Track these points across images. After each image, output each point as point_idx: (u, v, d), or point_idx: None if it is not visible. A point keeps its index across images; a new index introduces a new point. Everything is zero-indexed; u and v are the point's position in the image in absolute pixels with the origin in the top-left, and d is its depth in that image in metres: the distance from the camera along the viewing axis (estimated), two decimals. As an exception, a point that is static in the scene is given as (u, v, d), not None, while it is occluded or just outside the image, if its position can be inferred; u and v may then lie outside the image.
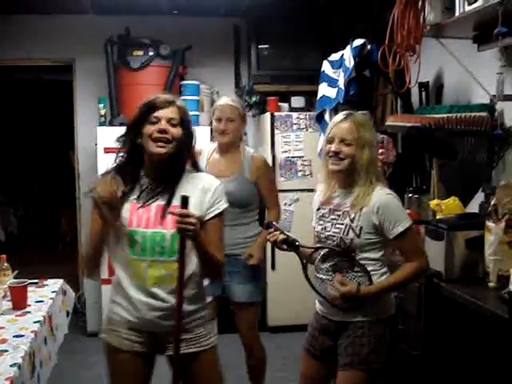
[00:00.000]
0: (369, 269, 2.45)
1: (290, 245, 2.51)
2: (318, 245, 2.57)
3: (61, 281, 3.44)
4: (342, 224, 2.48)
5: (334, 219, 2.53)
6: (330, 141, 2.50)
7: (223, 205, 2.35)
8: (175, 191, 2.24)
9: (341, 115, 2.57)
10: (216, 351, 2.45)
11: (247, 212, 3.42)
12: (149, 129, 2.19)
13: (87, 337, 5.13)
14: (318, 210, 2.63)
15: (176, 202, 2.17)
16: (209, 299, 2.53)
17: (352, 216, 2.46)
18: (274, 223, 2.56)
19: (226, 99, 3.45)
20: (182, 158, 2.29)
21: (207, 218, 2.28)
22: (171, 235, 2.20)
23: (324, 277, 2.52)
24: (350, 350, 2.47)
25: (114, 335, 2.34)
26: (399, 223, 2.40)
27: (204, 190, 2.30)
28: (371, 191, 2.45)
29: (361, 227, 2.44)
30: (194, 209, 2.15)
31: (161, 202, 2.24)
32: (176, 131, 2.21)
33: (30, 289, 3.03)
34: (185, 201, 2.07)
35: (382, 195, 2.46)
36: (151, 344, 2.34)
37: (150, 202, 2.26)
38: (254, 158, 3.44)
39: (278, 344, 4.82)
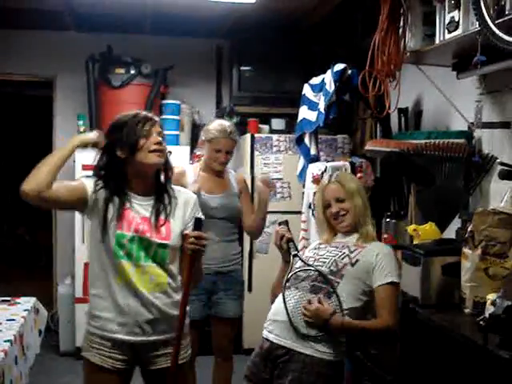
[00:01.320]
0: (343, 307, 2.45)
1: (290, 249, 2.58)
2: (309, 263, 2.57)
3: (33, 299, 3.38)
4: (340, 251, 2.58)
5: (330, 249, 2.62)
6: (327, 206, 2.65)
7: (203, 217, 2.43)
8: (164, 203, 2.34)
9: (325, 180, 2.79)
10: (190, 366, 2.57)
11: (236, 227, 3.57)
12: (145, 142, 2.26)
13: (60, 356, 5.05)
14: (315, 248, 2.72)
15: (163, 214, 2.32)
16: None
17: (352, 249, 2.57)
18: (287, 223, 2.64)
19: (225, 130, 3.45)
20: (167, 171, 2.38)
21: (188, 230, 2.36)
22: (156, 244, 2.30)
23: (299, 293, 2.50)
24: None
25: (96, 353, 2.32)
26: (391, 274, 2.49)
27: (185, 203, 2.41)
28: (372, 238, 2.64)
29: (357, 260, 2.51)
30: (178, 221, 2.35)
31: (146, 214, 2.32)
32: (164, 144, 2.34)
33: (0, 306, 2.99)
34: (198, 223, 2.27)
35: (382, 246, 2.68)
36: (133, 359, 2.35)
37: (140, 213, 2.32)
38: (237, 176, 3.67)
39: (253, 367, 4.78)
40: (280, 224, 2.65)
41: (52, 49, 5.37)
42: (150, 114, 2.36)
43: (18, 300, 3.36)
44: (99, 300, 2.32)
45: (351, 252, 2.54)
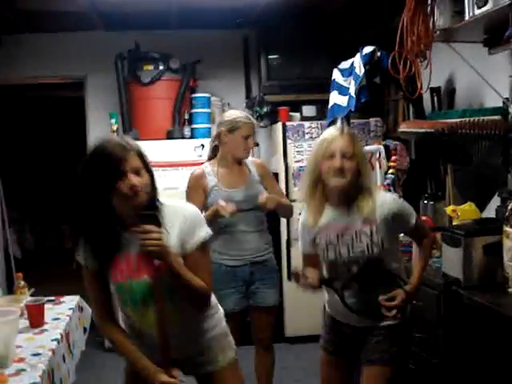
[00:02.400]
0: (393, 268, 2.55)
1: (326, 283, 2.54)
2: (329, 271, 2.58)
3: (77, 297, 3.44)
4: (362, 243, 2.47)
5: (348, 242, 2.50)
6: (329, 156, 2.44)
7: (205, 233, 2.18)
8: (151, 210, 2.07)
9: (334, 130, 2.55)
10: (235, 366, 2.43)
11: (265, 215, 3.53)
12: (119, 186, 1.99)
13: (104, 352, 5.12)
14: (314, 239, 2.59)
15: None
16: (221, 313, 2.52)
17: (368, 233, 2.46)
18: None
19: (247, 116, 3.46)
20: (152, 202, 2.10)
21: (191, 247, 2.14)
22: (148, 283, 2.10)
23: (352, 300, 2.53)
24: (380, 347, 2.53)
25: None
26: (412, 216, 2.54)
27: (184, 220, 2.15)
28: (375, 199, 2.48)
29: (382, 239, 2.46)
30: (175, 239, 2.10)
31: (134, 251, 2.10)
32: (143, 179, 2.04)
33: (46, 306, 3.03)
34: (145, 218, 1.99)
35: (386, 199, 2.53)
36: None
37: (130, 250, 2.12)
38: (254, 162, 3.58)
39: (297, 355, 4.80)
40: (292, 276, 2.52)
41: (81, 49, 5.42)
42: (120, 148, 2.02)
43: (62, 299, 3.42)
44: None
45: (371, 237, 2.46)
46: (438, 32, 3.32)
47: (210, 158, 3.54)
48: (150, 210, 2.04)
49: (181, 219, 2.14)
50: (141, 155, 2.07)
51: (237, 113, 3.51)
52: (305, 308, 5.00)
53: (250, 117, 3.49)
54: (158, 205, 2.12)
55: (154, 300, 2.10)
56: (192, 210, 2.23)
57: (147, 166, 2.08)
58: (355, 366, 2.69)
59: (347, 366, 2.72)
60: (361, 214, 2.47)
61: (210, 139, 4.86)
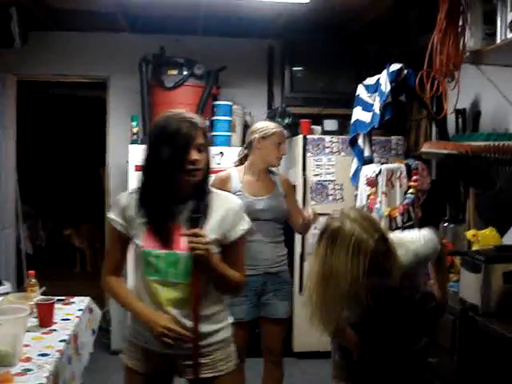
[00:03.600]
0: None
1: None
2: None
3: (87, 299, 3.41)
4: None
5: None
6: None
7: (246, 225, 2.28)
8: (199, 211, 2.18)
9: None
10: (234, 377, 2.39)
11: (282, 228, 3.54)
12: (182, 159, 2.11)
13: (111, 355, 5.10)
14: None
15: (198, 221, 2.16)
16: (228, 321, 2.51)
17: None
18: None
19: (277, 124, 3.63)
20: (205, 180, 2.25)
21: (232, 238, 2.24)
22: (184, 257, 2.17)
23: None
24: None
25: (131, 356, 2.33)
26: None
27: (228, 210, 2.25)
28: None
29: None
30: (216, 225, 2.19)
31: (178, 223, 2.19)
32: (203, 157, 2.16)
33: (56, 306, 3.00)
34: (195, 221, 2.11)
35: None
36: (169, 367, 2.30)
37: (174, 222, 2.20)
38: (281, 177, 3.64)
39: (304, 370, 4.75)
40: None
41: (106, 50, 5.42)
42: (194, 120, 2.16)
43: (72, 299, 3.39)
44: None
45: None
46: (467, 53, 3.29)
47: (237, 165, 3.55)
48: (202, 189, 2.19)
49: (225, 208, 2.24)
50: (205, 133, 2.18)
51: (268, 122, 3.66)
52: (314, 323, 4.94)
53: (280, 127, 3.61)
54: (207, 188, 2.24)
55: (182, 275, 2.17)
56: (237, 202, 2.33)
57: (208, 145, 2.20)
58: None
59: None
60: None
61: (229, 147, 4.91)
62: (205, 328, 2.24)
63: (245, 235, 2.28)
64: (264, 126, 3.53)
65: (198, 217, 2.12)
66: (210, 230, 2.18)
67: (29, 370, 2.29)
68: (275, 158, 3.49)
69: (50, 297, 2.99)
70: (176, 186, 2.17)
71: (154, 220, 2.18)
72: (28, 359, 2.40)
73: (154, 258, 2.19)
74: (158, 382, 2.34)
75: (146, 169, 2.20)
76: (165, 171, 2.12)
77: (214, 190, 2.30)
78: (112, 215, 2.26)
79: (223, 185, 3.36)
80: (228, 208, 2.25)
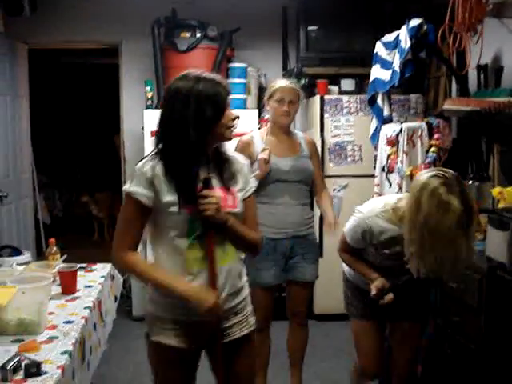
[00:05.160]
0: None
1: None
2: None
3: (109, 265, 3.39)
4: None
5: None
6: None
7: (254, 182, 2.34)
8: (226, 169, 2.22)
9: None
10: (254, 337, 2.36)
11: (309, 190, 3.48)
12: (223, 117, 2.12)
13: (133, 321, 5.12)
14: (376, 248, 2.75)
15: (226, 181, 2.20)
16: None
17: None
18: None
19: (287, 81, 3.43)
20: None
21: (247, 194, 2.27)
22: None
23: None
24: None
25: (162, 334, 2.22)
26: None
27: (244, 168, 2.30)
28: None
29: None
30: (239, 187, 2.23)
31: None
32: None
33: (78, 273, 2.99)
34: (206, 182, 2.10)
35: None
36: (202, 337, 2.24)
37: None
38: (306, 138, 3.55)
39: (326, 332, 4.75)
40: None
41: (117, 15, 5.33)
42: (219, 78, 2.15)
43: (94, 267, 3.39)
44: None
45: None
46: (490, 6, 3.18)
47: (259, 128, 3.51)
48: (220, 152, 2.21)
49: (242, 167, 2.28)
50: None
51: (277, 80, 3.52)
52: (335, 286, 4.94)
53: (291, 83, 3.43)
54: (225, 150, 2.26)
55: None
56: (244, 159, 2.34)
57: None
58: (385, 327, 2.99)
59: (380, 328, 2.96)
60: None
61: (244, 110, 4.85)
62: (239, 284, 2.25)
63: (253, 193, 2.31)
64: (271, 85, 3.44)
65: (209, 178, 2.11)
66: (239, 190, 2.22)
67: (55, 337, 2.29)
68: (280, 116, 3.35)
69: (72, 264, 2.97)
70: (205, 148, 2.15)
71: (185, 185, 2.12)
72: (54, 327, 2.40)
73: (189, 223, 2.12)
74: (189, 356, 2.26)
75: (175, 131, 2.10)
76: (207, 130, 2.09)
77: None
78: (134, 188, 2.12)
79: (246, 148, 3.30)
80: (244, 166, 2.29)
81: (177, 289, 2.10)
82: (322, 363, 4.22)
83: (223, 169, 2.21)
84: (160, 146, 2.17)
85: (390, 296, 2.63)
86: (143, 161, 2.17)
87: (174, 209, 2.10)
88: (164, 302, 2.21)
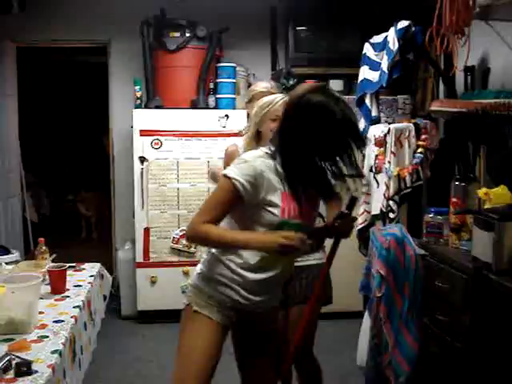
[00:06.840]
0: None
1: None
2: None
3: (98, 265, 3.42)
4: None
5: None
6: (274, 120, 2.83)
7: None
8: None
9: (279, 97, 2.89)
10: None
11: None
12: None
13: (121, 320, 5.13)
14: None
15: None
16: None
17: None
18: None
19: (266, 85, 3.41)
20: None
21: None
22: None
23: None
24: None
25: (208, 309, 2.31)
26: None
27: None
28: None
29: None
30: None
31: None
32: None
33: (67, 273, 3.00)
34: (352, 202, 2.43)
35: None
36: (241, 320, 2.38)
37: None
38: None
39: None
40: None
41: (106, 14, 5.34)
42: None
43: (83, 266, 3.40)
44: (232, 272, 2.32)
45: None
46: (477, 9, 3.21)
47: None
48: None
49: None
50: None
51: (257, 83, 3.51)
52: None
53: (272, 86, 3.41)
54: None
55: None
56: None
57: None
58: None
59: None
60: None
61: (233, 110, 4.85)
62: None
63: None
64: (250, 89, 3.47)
65: (356, 198, 2.41)
66: None
67: (45, 336, 2.31)
68: (272, 132, 3.28)
69: (62, 263, 2.98)
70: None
71: (296, 189, 2.23)
72: (44, 326, 2.41)
73: (286, 226, 2.19)
74: (225, 329, 2.37)
75: (298, 145, 2.19)
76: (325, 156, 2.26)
77: None
78: (237, 175, 2.18)
79: (235, 156, 3.27)
80: None
81: (257, 238, 2.20)
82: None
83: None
84: (275, 148, 2.24)
85: None
86: (252, 154, 2.26)
87: (273, 209, 2.20)
88: (230, 286, 2.30)
